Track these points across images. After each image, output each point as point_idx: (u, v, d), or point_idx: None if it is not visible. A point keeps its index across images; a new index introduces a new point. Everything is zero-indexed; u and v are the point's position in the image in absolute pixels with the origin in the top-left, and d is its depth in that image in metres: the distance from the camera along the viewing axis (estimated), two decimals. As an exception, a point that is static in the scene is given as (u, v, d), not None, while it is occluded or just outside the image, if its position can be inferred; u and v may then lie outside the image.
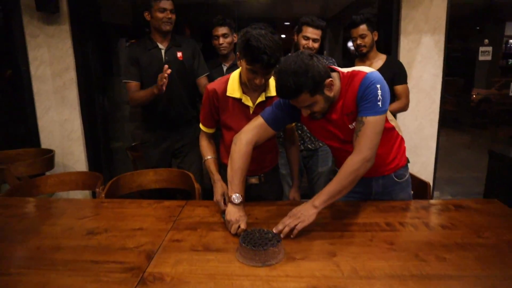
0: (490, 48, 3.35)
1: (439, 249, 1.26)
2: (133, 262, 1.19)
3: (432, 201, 1.71)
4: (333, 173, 2.43)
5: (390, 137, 1.56)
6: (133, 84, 2.32)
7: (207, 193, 1.79)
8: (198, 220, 1.50)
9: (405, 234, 1.38)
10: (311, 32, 2.22)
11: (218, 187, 1.60)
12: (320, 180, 2.49)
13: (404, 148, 1.66)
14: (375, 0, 3.41)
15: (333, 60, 2.41)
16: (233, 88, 1.59)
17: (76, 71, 3.03)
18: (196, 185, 1.99)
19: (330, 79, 1.35)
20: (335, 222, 1.48)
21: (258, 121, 1.53)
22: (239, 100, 1.60)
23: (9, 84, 3.33)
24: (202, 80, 2.43)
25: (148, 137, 2.45)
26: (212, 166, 1.69)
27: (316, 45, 2.24)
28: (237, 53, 1.49)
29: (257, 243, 1.20)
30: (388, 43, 3.06)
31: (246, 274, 1.12)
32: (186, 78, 2.39)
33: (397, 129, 1.58)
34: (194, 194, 1.94)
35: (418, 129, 3.17)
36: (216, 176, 1.65)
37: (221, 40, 2.42)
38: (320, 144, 2.39)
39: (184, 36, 2.48)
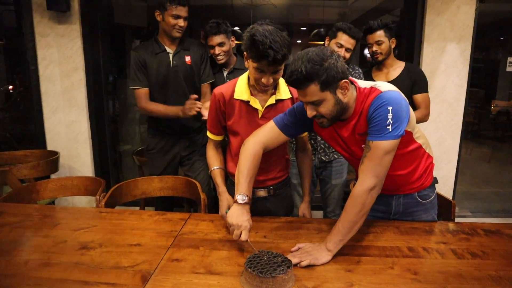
0: (518, 59, 3.16)
1: (470, 282, 1.11)
2: (126, 284, 1.07)
3: (459, 224, 1.55)
4: (347, 186, 2.29)
5: (415, 157, 1.41)
6: (142, 91, 2.20)
7: (216, 203, 1.68)
8: (201, 237, 1.38)
9: (431, 262, 1.23)
10: (346, 41, 2.07)
11: (224, 200, 1.50)
12: (333, 192, 2.35)
13: (432, 167, 1.51)
14: (396, 7, 3.27)
15: (360, 71, 2.26)
16: (241, 91, 1.48)
17: (85, 71, 2.96)
18: (202, 195, 1.87)
19: (346, 80, 1.22)
20: (352, 244, 1.33)
21: (269, 125, 1.43)
22: (247, 102, 1.48)
23: (19, 85, 3.31)
24: (205, 87, 2.31)
25: (154, 144, 2.33)
26: (218, 178, 1.57)
27: (348, 55, 2.10)
28: (244, 53, 1.38)
29: (264, 269, 1.07)
30: (411, 50, 2.91)
31: (250, 305, 0.99)
32: (194, 83, 2.27)
33: (424, 146, 1.43)
34: (200, 204, 1.82)
35: (439, 141, 3.00)
36: (222, 188, 1.54)
37: (217, 50, 2.22)
38: (335, 156, 2.25)
39: (192, 39, 2.33)
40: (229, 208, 1.32)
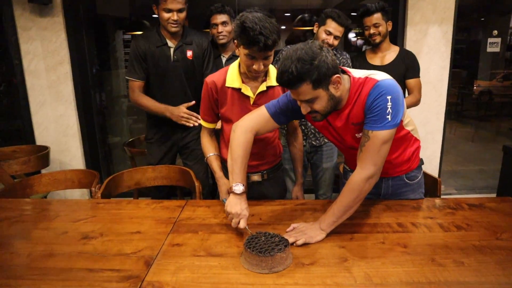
0: (498, 40, 3.25)
1: (456, 252, 1.19)
2: (130, 269, 1.11)
3: (444, 199, 1.63)
4: (338, 168, 2.35)
5: (403, 142, 1.46)
6: (137, 84, 2.17)
7: (213, 190, 1.71)
8: (199, 222, 1.42)
9: (419, 236, 1.30)
10: (335, 28, 2.09)
11: (222, 185, 1.55)
12: (325, 176, 2.41)
13: (419, 149, 1.56)
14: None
15: (347, 55, 2.30)
16: (232, 78, 1.51)
17: (71, 64, 2.92)
18: (196, 183, 1.91)
19: (338, 75, 1.23)
20: (344, 222, 1.39)
21: (260, 111, 1.43)
22: (239, 90, 1.51)
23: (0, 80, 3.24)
24: None
25: (152, 134, 2.33)
26: (214, 164, 1.61)
27: (336, 42, 2.12)
28: (235, 40, 1.40)
29: (263, 248, 1.12)
30: (394, 33, 2.95)
31: (252, 282, 1.04)
32: (195, 77, 2.24)
33: (413, 132, 1.47)
34: (195, 191, 1.86)
35: (424, 122, 3.09)
36: (218, 174, 1.59)
37: (220, 28, 2.27)
38: (325, 140, 2.30)
39: (196, 31, 2.25)
40: (226, 198, 1.36)
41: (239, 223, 1.27)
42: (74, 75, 2.95)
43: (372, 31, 2.29)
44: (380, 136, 1.24)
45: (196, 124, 2.09)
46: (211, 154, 1.64)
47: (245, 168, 1.37)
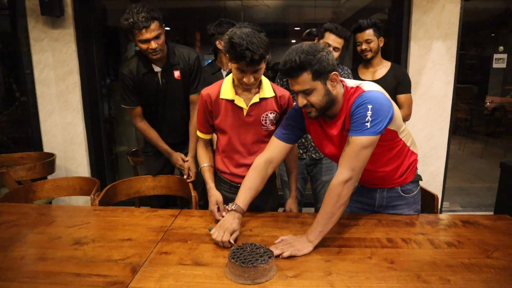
0: (505, 56, 3.23)
1: (443, 269, 1.17)
2: (116, 276, 1.13)
3: (439, 216, 1.62)
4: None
5: (399, 154, 1.48)
6: (135, 111, 2.14)
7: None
8: (190, 232, 1.44)
9: (408, 252, 1.29)
10: (333, 40, 2.13)
11: (211, 196, 1.58)
12: (324, 189, 2.40)
13: (416, 163, 1.57)
14: (385, 6, 3.33)
15: (349, 71, 2.32)
16: (226, 90, 1.56)
17: (80, 75, 3.01)
18: (193, 193, 1.93)
19: (335, 73, 1.31)
20: (333, 236, 1.40)
21: (272, 140, 1.54)
22: (232, 101, 1.55)
23: (16, 89, 3.35)
24: (194, 97, 2.17)
25: (150, 147, 2.33)
26: (207, 174, 1.66)
27: (336, 54, 2.15)
28: (226, 55, 1.45)
29: (247, 259, 1.13)
30: (398, 48, 2.97)
31: (233, 293, 1.05)
32: (186, 97, 2.19)
33: (409, 144, 1.49)
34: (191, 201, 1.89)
35: (428, 137, 3.06)
36: (210, 184, 1.62)
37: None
38: (325, 152, 2.31)
39: (182, 47, 2.15)
40: (212, 227, 1.40)
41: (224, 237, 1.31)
42: (82, 85, 3.04)
43: (364, 46, 2.32)
44: (358, 141, 1.28)
45: (190, 179, 2.14)
46: (204, 165, 1.68)
47: (249, 191, 1.47)
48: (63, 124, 3.06)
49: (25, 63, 2.94)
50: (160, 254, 1.26)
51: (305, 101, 1.33)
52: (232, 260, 1.12)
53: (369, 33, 2.29)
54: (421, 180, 1.63)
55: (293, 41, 5.83)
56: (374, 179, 1.54)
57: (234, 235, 1.34)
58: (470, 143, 5.73)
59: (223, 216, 1.46)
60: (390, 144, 1.42)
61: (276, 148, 1.51)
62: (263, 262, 1.11)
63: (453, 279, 1.12)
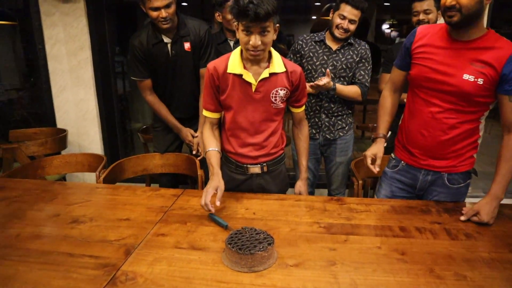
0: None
1: (459, 264, 1.07)
2: (109, 257, 1.09)
3: (457, 203, 1.50)
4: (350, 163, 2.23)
5: (471, 134, 1.43)
6: (144, 83, 2.11)
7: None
8: (190, 213, 1.38)
9: (421, 243, 1.19)
10: (349, 12, 1.97)
11: (213, 180, 1.39)
12: (338, 170, 2.31)
13: (475, 151, 1.49)
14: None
15: (366, 46, 2.12)
16: (234, 64, 1.44)
17: (91, 50, 2.96)
18: (199, 172, 1.88)
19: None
20: (342, 223, 1.31)
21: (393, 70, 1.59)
22: (240, 76, 1.44)
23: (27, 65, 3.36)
24: (204, 71, 2.10)
25: (159, 122, 2.30)
26: (213, 159, 1.47)
27: (352, 27, 2.00)
28: (235, 23, 1.35)
29: (244, 245, 1.06)
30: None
31: (227, 281, 0.99)
32: (196, 70, 2.14)
33: (480, 128, 1.45)
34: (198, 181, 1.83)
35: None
36: (216, 169, 1.44)
37: (229, 16, 2.17)
38: (340, 133, 2.19)
39: (193, 19, 2.10)
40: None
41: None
42: (94, 61, 2.99)
43: (421, 17, 2.09)
44: None
45: (199, 156, 2.08)
46: (210, 149, 1.51)
47: (388, 118, 1.61)
48: (75, 100, 3.04)
49: (37, 39, 2.90)
50: (156, 236, 1.21)
51: (454, 2, 1.23)
52: (229, 245, 1.05)
53: (429, 3, 2.07)
54: (476, 175, 1.53)
55: (314, 17, 5.60)
56: (443, 146, 1.43)
57: (219, 193, 1.32)
58: (498, 125, 5.42)
59: (212, 211, 1.32)
60: (479, 115, 1.39)
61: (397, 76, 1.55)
62: (262, 249, 1.04)
63: (470, 276, 1.02)
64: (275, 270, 1.04)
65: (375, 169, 1.49)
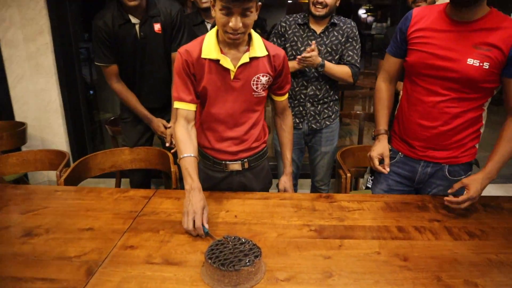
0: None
1: (468, 269, 0.97)
2: (67, 280, 0.92)
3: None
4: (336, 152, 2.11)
5: (474, 123, 1.32)
6: (110, 69, 1.90)
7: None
8: (163, 218, 1.22)
9: (423, 245, 1.08)
10: None
11: (196, 197, 1.15)
12: (323, 160, 2.18)
13: (477, 141, 1.39)
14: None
15: (353, 23, 1.97)
16: (209, 48, 1.25)
17: (52, 35, 2.68)
18: (173, 168, 1.70)
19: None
20: (334, 224, 1.19)
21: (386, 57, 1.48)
22: (217, 61, 1.26)
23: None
24: (175, 55, 1.99)
25: (127, 112, 2.09)
26: (190, 168, 1.19)
27: (330, 0, 1.84)
28: (211, 1, 1.17)
29: (227, 259, 0.91)
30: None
31: (208, 304, 0.84)
32: (168, 54, 1.96)
33: (483, 116, 1.35)
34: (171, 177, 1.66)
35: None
36: (196, 183, 1.18)
37: None
38: (327, 122, 2.06)
39: None
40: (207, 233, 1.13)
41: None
42: (55, 46, 2.72)
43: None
44: None
45: (173, 149, 1.87)
46: (185, 155, 1.22)
47: (386, 112, 1.47)
48: (35, 90, 2.77)
49: (-13, 21, 2.60)
50: (124, 249, 1.05)
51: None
52: (209, 261, 0.90)
53: None
54: (478, 166, 1.43)
55: (290, 1, 5.40)
56: (444, 134, 1.32)
57: (206, 214, 1.13)
58: (502, 109, 5.42)
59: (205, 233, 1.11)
60: (483, 102, 1.29)
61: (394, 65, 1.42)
62: (248, 263, 0.90)
63: (481, 283, 0.91)
64: (264, 287, 0.90)
65: (386, 170, 1.40)
